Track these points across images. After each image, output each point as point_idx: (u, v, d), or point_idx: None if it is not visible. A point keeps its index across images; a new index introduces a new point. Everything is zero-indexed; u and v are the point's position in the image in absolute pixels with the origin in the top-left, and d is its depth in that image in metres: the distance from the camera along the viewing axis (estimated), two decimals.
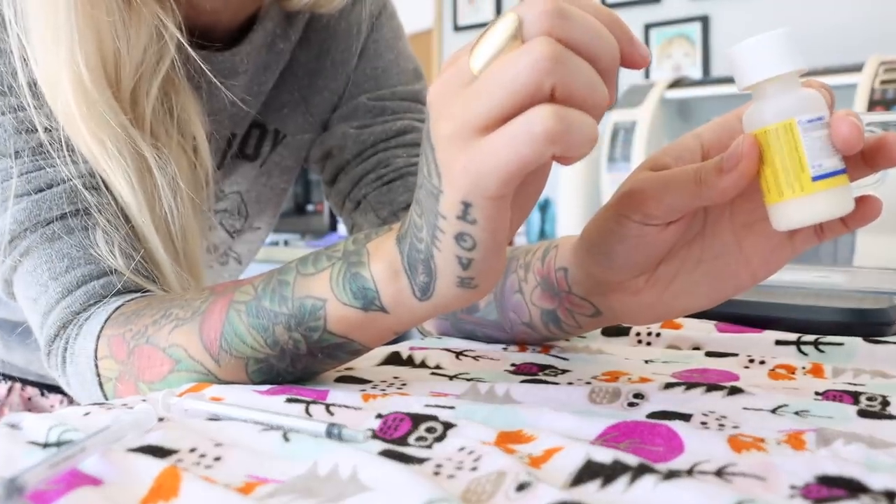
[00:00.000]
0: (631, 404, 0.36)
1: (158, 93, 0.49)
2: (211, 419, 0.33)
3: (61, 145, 0.47)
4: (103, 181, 0.48)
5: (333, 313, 0.37)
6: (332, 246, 0.38)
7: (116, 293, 0.46)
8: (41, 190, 0.47)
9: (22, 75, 0.46)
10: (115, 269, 0.47)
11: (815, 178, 0.30)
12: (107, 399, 0.43)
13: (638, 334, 0.55)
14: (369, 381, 0.42)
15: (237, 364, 0.39)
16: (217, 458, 0.29)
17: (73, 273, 0.46)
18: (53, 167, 0.47)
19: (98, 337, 0.43)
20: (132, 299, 0.45)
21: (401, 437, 0.31)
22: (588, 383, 0.40)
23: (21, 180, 0.47)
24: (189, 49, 0.49)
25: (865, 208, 0.34)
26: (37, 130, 0.47)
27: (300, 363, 0.39)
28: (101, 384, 0.43)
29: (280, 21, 0.58)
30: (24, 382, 0.70)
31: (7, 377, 0.70)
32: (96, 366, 0.43)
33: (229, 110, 0.58)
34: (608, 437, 0.31)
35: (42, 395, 0.70)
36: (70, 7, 0.44)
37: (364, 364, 0.46)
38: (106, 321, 0.43)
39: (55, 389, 0.70)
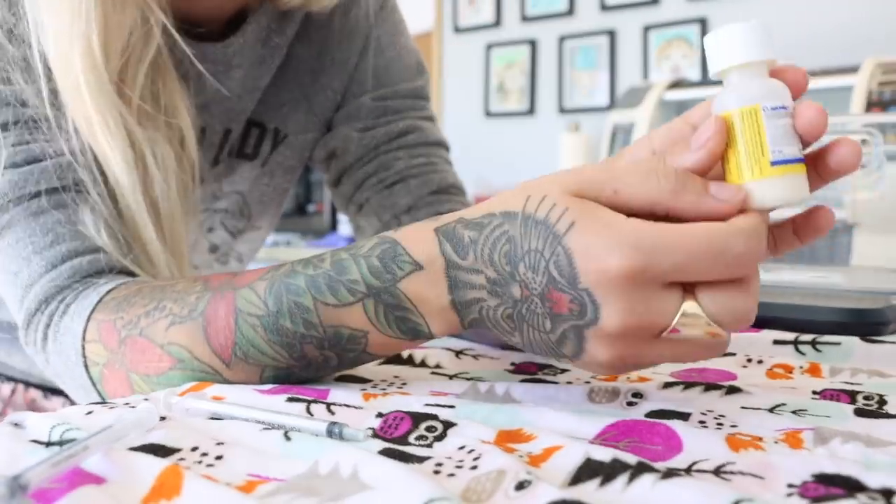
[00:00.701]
0: (630, 403, 0.36)
1: (146, 79, 0.49)
2: (212, 418, 0.34)
3: (52, 121, 0.46)
4: (96, 161, 0.47)
5: (376, 341, 0.37)
6: (339, 268, 0.37)
7: (103, 272, 0.46)
8: (28, 163, 0.46)
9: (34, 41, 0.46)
10: (102, 248, 0.46)
11: (774, 163, 0.31)
12: (91, 381, 0.43)
13: None
14: (370, 381, 0.42)
15: (251, 369, 0.39)
16: (219, 457, 0.29)
17: (58, 248, 0.45)
18: (45, 142, 0.47)
19: (88, 319, 0.42)
20: (123, 283, 0.44)
21: (401, 436, 0.31)
22: (587, 382, 0.41)
23: (7, 152, 0.46)
24: (175, 34, 0.49)
25: (819, 219, 0.34)
26: (26, 105, 0.47)
27: (324, 370, 0.40)
28: (86, 366, 0.43)
29: (275, 16, 0.58)
30: (27, 384, 0.70)
31: (10, 379, 0.70)
32: (83, 347, 0.42)
33: (223, 104, 0.58)
34: (607, 436, 0.31)
35: (45, 397, 0.70)
36: None
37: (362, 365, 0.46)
38: (97, 304, 0.43)
39: (58, 392, 0.70)
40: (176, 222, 0.51)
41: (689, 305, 0.30)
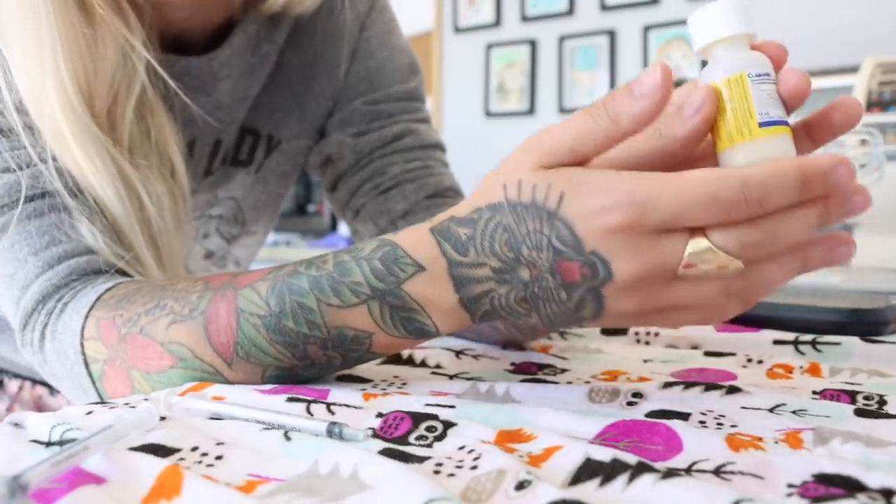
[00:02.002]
0: (630, 403, 0.36)
1: (134, 115, 0.49)
2: (213, 418, 0.34)
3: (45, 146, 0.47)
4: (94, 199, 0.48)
5: (381, 341, 0.38)
6: (342, 269, 0.37)
7: (100, 272, 0.46)
8: (23, 167, 0.46)
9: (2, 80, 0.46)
10: (99, 250, 0.46)
11: (762, 124, 0.32)
12: (91, 378, 0.43)
13: (637, 333, 0.55)
14: (370, 381, 0.42)
15: (253, 369, 0.39)
16: (219, 457, 0.29)
17: (54, 249, 0.45)
18: (41, 148, 0.46)
19: (86, 316, 0.42)
20: (121, 282, 0.44)
21: (401, 436, 0.31)
22: (587, 382, 0.41)
23: (2, 157, 0.46)
24: (161, 70, 0.49)
25: (840, 109, 0.33)
26: (25, 113, 0.47)
27: (327, 370, 0.40)
28: (86, 363, 0.42)
29: (263, 24, 0.57)
30: (34, 382, 0.70)
31: (17, 376, 0.70)
32: (81, 345, 0.42)
33: (211, 116, 0.57)
34: (607, 436, 0.31)
35: (51, 394, 0.70)
36: (52, 26, 0.44)
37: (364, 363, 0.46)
38: (96, 302, 0.43)
39: None
40: (174, 252, 0.51)
41: (697, 242, 0.30)
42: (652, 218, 0.30)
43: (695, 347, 0.52)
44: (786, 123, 0.32)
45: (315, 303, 0.37)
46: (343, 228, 2.53)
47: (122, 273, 0.47)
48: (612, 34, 2.36)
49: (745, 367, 0.46)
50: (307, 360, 0.38)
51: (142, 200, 0.49)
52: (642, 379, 0.42)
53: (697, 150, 0.34)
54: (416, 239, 0.36)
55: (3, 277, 0.46)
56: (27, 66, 0.45)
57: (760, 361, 0.47)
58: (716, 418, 0.34)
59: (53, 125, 0.45)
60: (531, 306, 0.34)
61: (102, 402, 0.36)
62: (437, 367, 0.46)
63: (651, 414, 0.34)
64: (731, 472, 0.26)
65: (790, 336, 0.51)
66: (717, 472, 0.27)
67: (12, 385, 0.69)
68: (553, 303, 0.34)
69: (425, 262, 0.35)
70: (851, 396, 0.38)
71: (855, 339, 0.49)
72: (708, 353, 0.50)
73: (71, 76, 0.45)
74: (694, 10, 0.33)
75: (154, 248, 0.50)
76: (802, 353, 0.50)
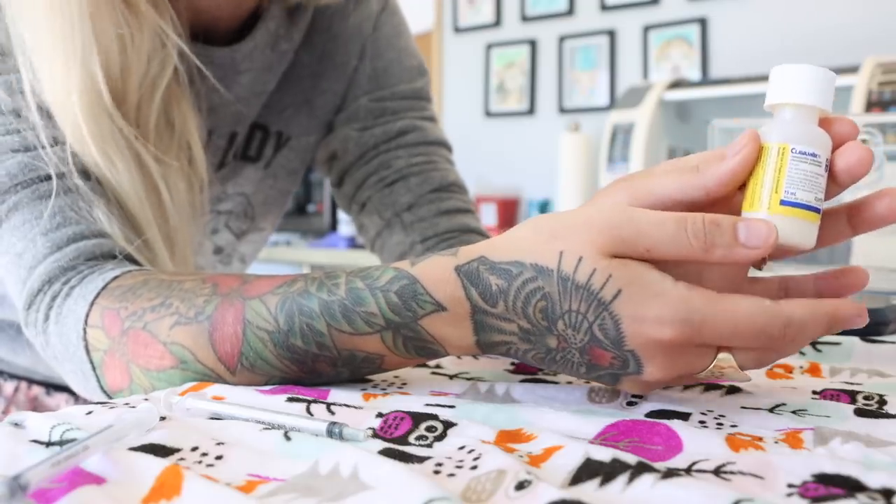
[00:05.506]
0: (630, 403, 0.36)
1: (161, 103, 0.49)
2: (213, 418, 0.34)
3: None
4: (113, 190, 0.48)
5: (392, 361, 0.38)
6: (355, 297, 0.36)
7: (108, 257, 0.46)
8: (39, 147, 0.46)
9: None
10: (109, 234, 0.46)
11: (784, 203, 0.32)
12: (92, 365, 0.42)
13: None
14: (370, 381, 0.42)
15: (257, 378, 0.39)
16: (219, 457, 0.29)
17: (64, 230, 0.45)
18: (56, 128, 0.47)
19: (92, 303, 0.42)
20: (128, 271, 0.44)
21: (401, 436, 0.31)
22: (587, 382, 0.41)
23: (18, 136, 0.46)
24: (192, 56, 0.49)
25: (849, 276, 0.35)
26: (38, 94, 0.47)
27: (334, 381, 0.40)
28: (87, 350, 0.42)
29: (283, 21, 0.58)
30: (31, 382, 0.70)
31: (13, 377, 0.70)
32: (84, 331, 0.42)
33: (230, 107, 0.58)
34: (607, 436, 0.31)
35: (47, 394, 0.70)
36: (84, 20, 0.44)
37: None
38: (102, 289, 0.42)
39: (61, 389, 0.70)
40: (186, 242, 0.52)
41: (723, 357, 0.32)
42: (698, 339, 0.31)
43: None
44: (813, 209, 0.32)
45: (325, 327, 0.37)
46: (343, 228, 2.53)
47: (131, 259, 0.47)
48: (612, 34, 2.36)
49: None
50: (315, 374, 0.39)
51: (160, 195, 0.49)
52: None
53: (730, 194, 0.34)
54: (437, 277, 0.35)
55: (12, 256, 0.46)
56: (52, 71, 0.45)
57: None
58: (716, 418, 0.34)
59: (74, 128, 0.46)
60: (546, 365, 0.35)
61: (102, 403, 0.36)
62: (437, 367, 0.46)
63: (651, 414, 0.34)
64: (731, 472, 0.26)
65: None
66: (717, 472, 0.27)
67: (8, 386, 0.69)
68: (569, 370, 0.35)
69: (447, 303, 0.35)
70: (851, 396, 0.38)
71: (855, 339, 0.49)
72: None
73: (103, 71, 0.45)
74: (781, 65, 0.33)
75: (167, 237, 0.50)
76: (802, 353, 0.50)
